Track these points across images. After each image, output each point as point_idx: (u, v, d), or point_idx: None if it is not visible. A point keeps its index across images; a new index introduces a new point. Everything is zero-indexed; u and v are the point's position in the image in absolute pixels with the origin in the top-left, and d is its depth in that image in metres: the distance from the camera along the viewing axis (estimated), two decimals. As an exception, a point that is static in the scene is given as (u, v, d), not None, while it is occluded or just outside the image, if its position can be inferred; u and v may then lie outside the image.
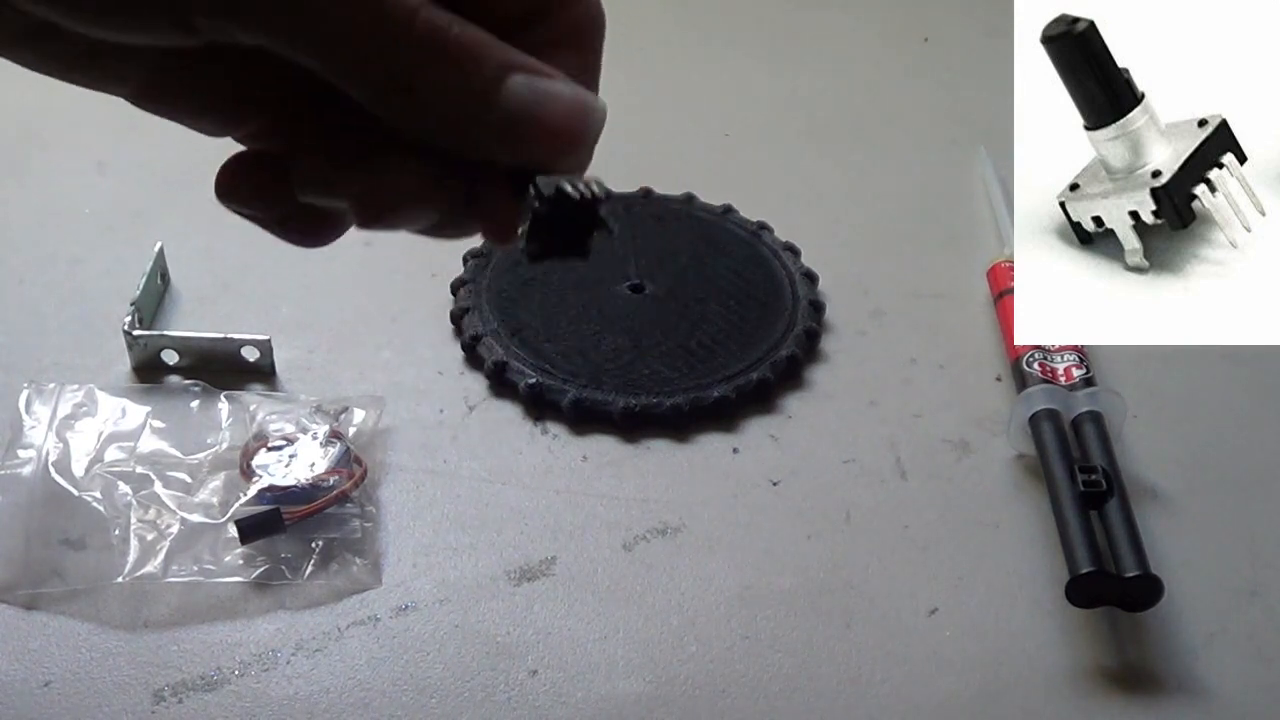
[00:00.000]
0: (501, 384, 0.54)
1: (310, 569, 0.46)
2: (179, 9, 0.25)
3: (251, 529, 0.46)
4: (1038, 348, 0.55)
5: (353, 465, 0.49)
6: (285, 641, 0.44)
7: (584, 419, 0.53)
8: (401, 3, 0.26)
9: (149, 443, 0.49)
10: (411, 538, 0.48)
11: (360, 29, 0.25)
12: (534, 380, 0.54)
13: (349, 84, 0.26)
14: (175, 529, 0.46)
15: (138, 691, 0.42)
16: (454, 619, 0.45)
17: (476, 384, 0.55)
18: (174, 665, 0.43)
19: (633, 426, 0.53)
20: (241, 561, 0.46)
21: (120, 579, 0.45)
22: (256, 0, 0.25)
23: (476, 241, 0.62)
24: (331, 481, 0.48)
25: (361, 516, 0.47)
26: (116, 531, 0.46)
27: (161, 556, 0.45)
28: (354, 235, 0.68)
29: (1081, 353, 0.54)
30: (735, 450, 0.53)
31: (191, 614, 0.44)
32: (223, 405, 0.51)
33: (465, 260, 0.60)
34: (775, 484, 0.51)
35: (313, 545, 0.46)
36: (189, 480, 0.48)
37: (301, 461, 0.48)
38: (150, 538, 0.46)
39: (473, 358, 0.56)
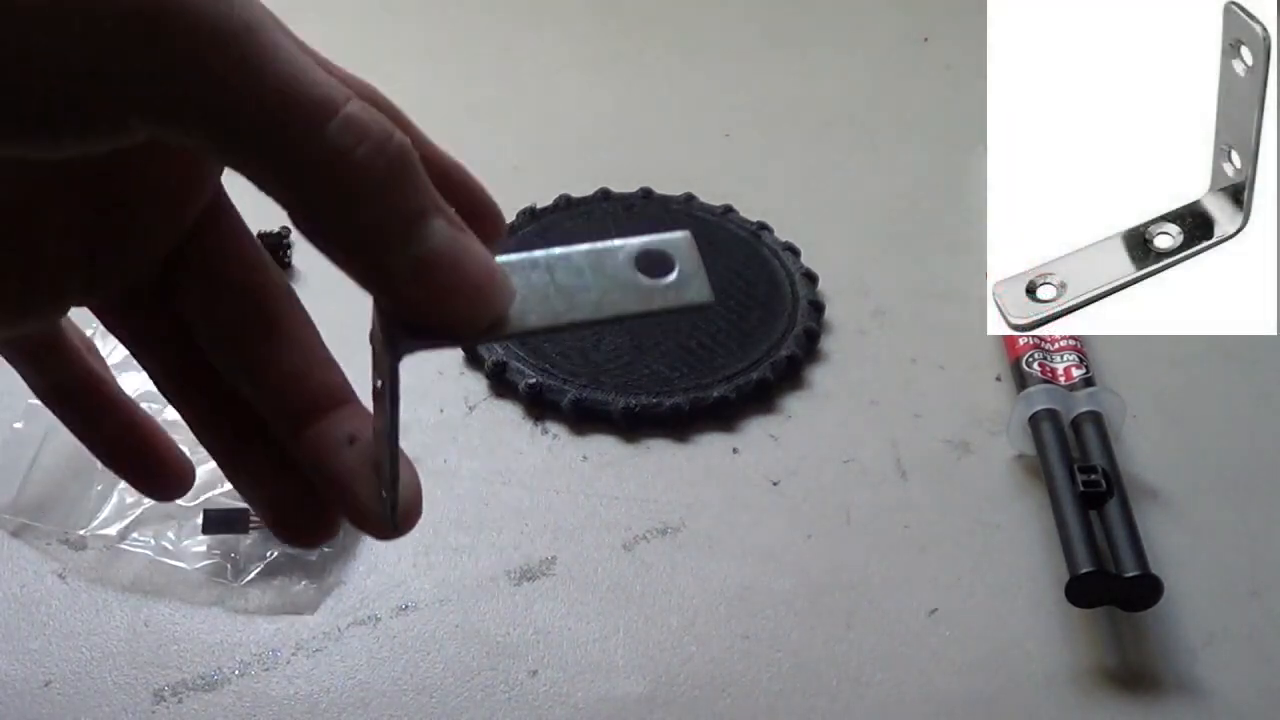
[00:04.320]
0: (501, 384, 0.54)
1: (253, 577, 0.45)
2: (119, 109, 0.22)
3: (215, 521, 0.46)
4: (1037, 347, 0.55)
5: None
6: (285, 641, 0.44)
7: (584, 419, 0.53)
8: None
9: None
10: (411, 538, 0.48)
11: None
12: (534, 380, 0.54)
13: (281, 187, 0.24)
14: (152, 500, 0.46)
15: (138, 691, 0.42)
16: (454, 619, 0.45)
17: (476, 384, 0.55)
18: (174, 665, 0.43)
19: (633, 426, 0.53)
20: (202, 548, 0.46)
21: (83, 531, 0.46)
22: (204, 102, 0.22)
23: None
24: None
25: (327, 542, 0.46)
26: (99, 487, 0.47)
27: (128, 522, 0.46)
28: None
29: (1081, 352, 0.54)
30: (735, 450, 0.53)
31: (191, 613, 0.44)
32: None
33: (465, 260, 0.60)
34: (775, 484, 0.51)
35: (267, 554, 0.46)
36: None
37: None
38: (130, 500, 0.46)
39: (473, 358, 0.56)
